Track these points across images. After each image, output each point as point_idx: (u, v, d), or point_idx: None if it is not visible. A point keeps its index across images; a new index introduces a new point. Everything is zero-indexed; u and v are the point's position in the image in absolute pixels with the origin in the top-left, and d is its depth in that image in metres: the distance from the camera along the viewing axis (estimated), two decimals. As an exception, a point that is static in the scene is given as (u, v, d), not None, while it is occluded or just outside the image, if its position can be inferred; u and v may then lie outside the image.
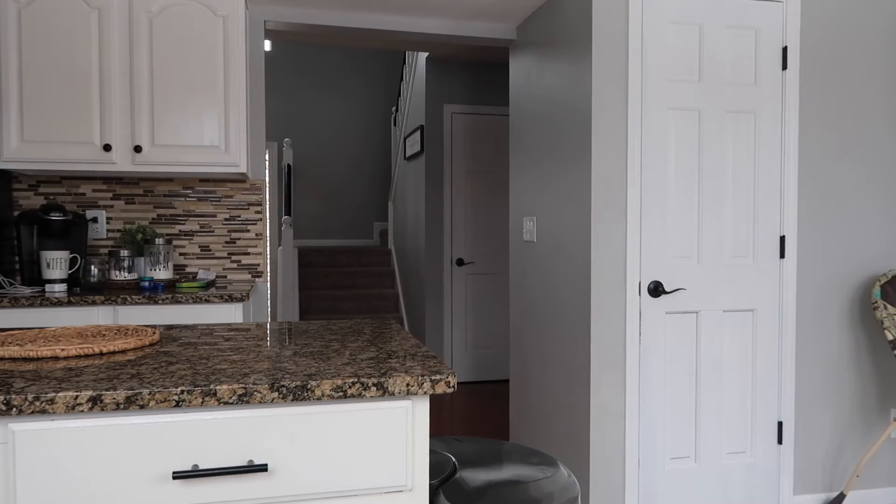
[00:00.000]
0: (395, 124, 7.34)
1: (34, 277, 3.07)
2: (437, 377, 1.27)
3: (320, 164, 8.19)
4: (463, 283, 5.45)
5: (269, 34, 3.70)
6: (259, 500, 1.20)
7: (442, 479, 1.48)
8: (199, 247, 3.42)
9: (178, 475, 1.14)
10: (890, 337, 2.77)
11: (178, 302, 2.77)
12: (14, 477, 1.11)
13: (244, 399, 1.18)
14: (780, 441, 2.95)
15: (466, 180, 5.45)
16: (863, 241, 3.02)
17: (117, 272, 3.03)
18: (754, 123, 2.88)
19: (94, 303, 2.72)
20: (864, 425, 3.05)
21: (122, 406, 1.13)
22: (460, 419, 4.55)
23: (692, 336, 2.86)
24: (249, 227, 3.47)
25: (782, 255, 2.92)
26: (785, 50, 2.88)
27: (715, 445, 2.89)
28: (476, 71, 5.47)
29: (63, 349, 1.41)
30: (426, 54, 5.39)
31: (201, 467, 1.17)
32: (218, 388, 1.17)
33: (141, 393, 1.14)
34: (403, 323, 6.32)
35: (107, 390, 1.14)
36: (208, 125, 3.01)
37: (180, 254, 3.40)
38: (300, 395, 1.20)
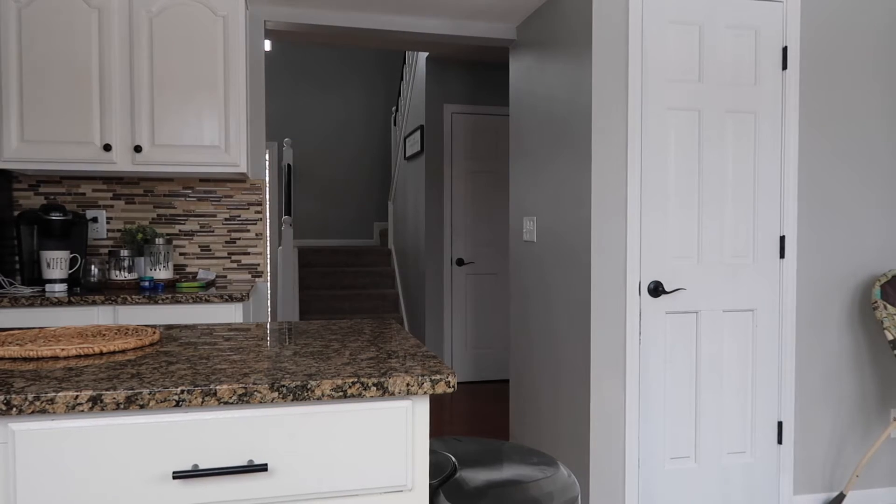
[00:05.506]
0: (395, 124, 7.34)
1: (34, 277, 3.07)
2: (437, 377, 1.27)
3: (320, 164, 8.19)
4: (463, 283, 5.45)
5: (269, 34, 3.70)
6: (259, 500, 1.20)
7: (442, 479, 1.47)
8: (199, 247, 3.42)
9: (178, 475, 1.14)
10: (890, 337, 2.77)
11: (178, 302, 2.78)
12: (14, 477, 1.11)
13: (244, 399, 1.18)
14: (780, 441, 2.95)
15: (466, 180, 5.45)
16: (862, 240, 3.02)
17: (117, 272, 3.03)
18: (754, 123, 2.88)
19: (94, 303, 2.72)
20: (864, 425, 3.05)
21: (122, 406, 1.13)
22: (460, 419, 4.55)
23: (692, 336, 2.86)
24: (249, 227, 3.47)
25: (782, 255, 2.92)
26: (785, 50, 2.88)
27: (715, 445, 2.89)
28: (476, 71, 5.47)
29: (63, 349, 1.41)
30: (426, 54, 5.39)
31: (201, 467, 1.17)
32: (218, 387, 1.17)
33: (141, 393, 1.14)
34: (403, 323, 6.32)
35: (107, 390, 1.14)
36: (208, 125, 3.01)
37: (180, 254, 3.40)
38: (300, 395, 1.20)
